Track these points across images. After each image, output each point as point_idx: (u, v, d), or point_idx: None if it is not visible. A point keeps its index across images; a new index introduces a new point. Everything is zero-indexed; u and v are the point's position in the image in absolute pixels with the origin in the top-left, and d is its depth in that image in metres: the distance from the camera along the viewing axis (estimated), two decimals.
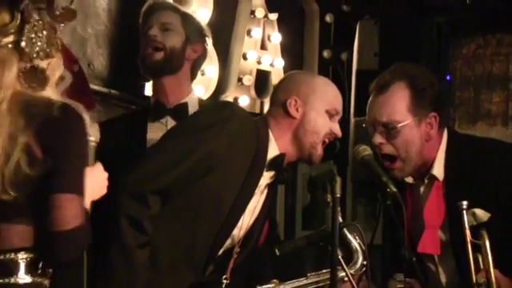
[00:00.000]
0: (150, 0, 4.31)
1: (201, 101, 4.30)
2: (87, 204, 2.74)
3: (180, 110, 4.10)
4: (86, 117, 2.73)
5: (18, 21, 2.67)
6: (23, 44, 2.66)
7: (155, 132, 4.04)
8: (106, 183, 2.90)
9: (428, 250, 3.70)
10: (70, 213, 2.63)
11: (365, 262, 3.47)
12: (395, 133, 3.60)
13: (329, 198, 3.30)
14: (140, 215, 3.29)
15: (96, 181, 2.83)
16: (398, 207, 3.40)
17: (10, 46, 2.67)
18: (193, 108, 4.11)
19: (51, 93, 2.74)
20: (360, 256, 3.47)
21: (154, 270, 3.37)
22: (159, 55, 4.10)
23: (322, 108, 3.61)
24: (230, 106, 3.86)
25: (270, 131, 3.58)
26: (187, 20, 4.24)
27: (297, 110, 3.58)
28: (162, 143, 3.54)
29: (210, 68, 5.53)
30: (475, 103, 6.97)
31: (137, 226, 3.29)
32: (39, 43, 2.68)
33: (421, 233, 3.70)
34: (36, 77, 2.68)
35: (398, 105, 3.62)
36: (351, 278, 3.40)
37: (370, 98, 3.71)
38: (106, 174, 2.90)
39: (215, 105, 4.29)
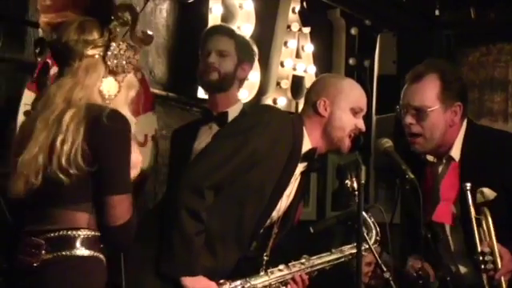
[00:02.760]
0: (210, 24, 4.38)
1: (244, 108, 4.29)
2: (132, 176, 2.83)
3: (222, 118, 4.15)
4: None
5: (106, 38, 2.76)
6: (107, 57, 2.75)
7: (203, 134, 4.16)
8: (140, 163, 2.93)
9: (441, 219, 3.68)
10: (122, 210, 2.75)
11: (378, 238, 3.49)
12: (424, 116, 3.60)
13: (353, 183, 3.31)
14: (198, 207, 3.29)
15: (135, 160, 2.86)
16: (415, 191, 3.38)
17: (96, 56, 2.76)
18: (233, 115, 4.13)
19: (122, 107, 2.81)
20: (374, 232, 3.50)
21: (208, 249, 3.38)
22: (214, 75, 4.15)
23: (347, 107, 3.56)
24: (270, 109, 3.82)
25: (303, 128, 3.56)
26: (240, 45, 4.25)
27: (325, 109, 3.54)
28: (214, 143, 3.53)
29: (253, 74, 5.50)
30: (479, 103, 6.94)
31: (195, 217, 3.28)
32: (120, 59, 2.78)
33: (437, 204, 3.68)
34: (111, 85, 2.78)
35: (429, 92, 3.62)
36: (373, 250, 3.42)
37: (406, 86, 3.71)
38: (140, 156, 2.93)
39: (258, 108, 4.25)
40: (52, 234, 2.69)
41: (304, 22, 5.82)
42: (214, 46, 4.20)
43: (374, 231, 3.49)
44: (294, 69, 6.00)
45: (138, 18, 2.85)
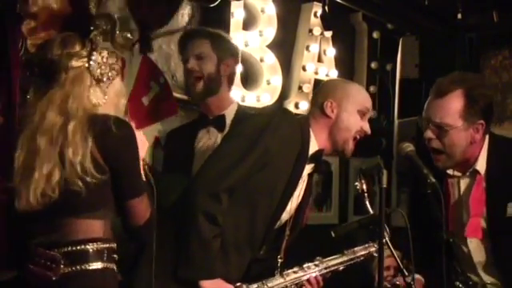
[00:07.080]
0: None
1: (239, 108, 4.28)
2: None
3: (219, 121, 4.17)
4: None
5: (89, 48, 2.87)
6: (91, 67, 2.86)
7: (203, 137, 4.19)
8: (146, 144, 3.04)
9: (473, 235, 3.66)
10: (142, 210, 2.90)
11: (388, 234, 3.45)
12: (445, 133, 3.55)
13: (363, 185, 3.32)
14: (215, 211, 3.34)
15: (141, 143, 2.95)
16: (437, 195, 3.37)
17: (81, 67, 2.86)
18: (230, 117, 4.18)
19: (113, 112, 2.90)
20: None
21: (222, 253, 3.42)
22: (200, 85, 4.16)
23: (353, 109, 3.61)
24: (280, 111, 3.85)
25: (311, 130, 3.60)
26: (216, 43, 4.22)
27: (332, 111, 3.60)
28: (225, 145, 3.58)
29: (275, 78, 5.52)
30: (502, 106, 6.88)
31: (212, 221, 3.33)
32: (103, 67, 2.89)
33: (463, 219, 3.67)
34: (98, 93, 2.88)
35: (451, 110, 3.54)
36: (395, 254, 3.44)
37: (429, 99, 3.63)
38: (144, 137, 3.03)
39: (268, 110, 4.23)
40: (69, 248, 2.79)
41: (326, 25, 5.80)
42: (190, 51, 4.21)
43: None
44: (316, 73, 5.99)
45: (116, 25, 2.92)
